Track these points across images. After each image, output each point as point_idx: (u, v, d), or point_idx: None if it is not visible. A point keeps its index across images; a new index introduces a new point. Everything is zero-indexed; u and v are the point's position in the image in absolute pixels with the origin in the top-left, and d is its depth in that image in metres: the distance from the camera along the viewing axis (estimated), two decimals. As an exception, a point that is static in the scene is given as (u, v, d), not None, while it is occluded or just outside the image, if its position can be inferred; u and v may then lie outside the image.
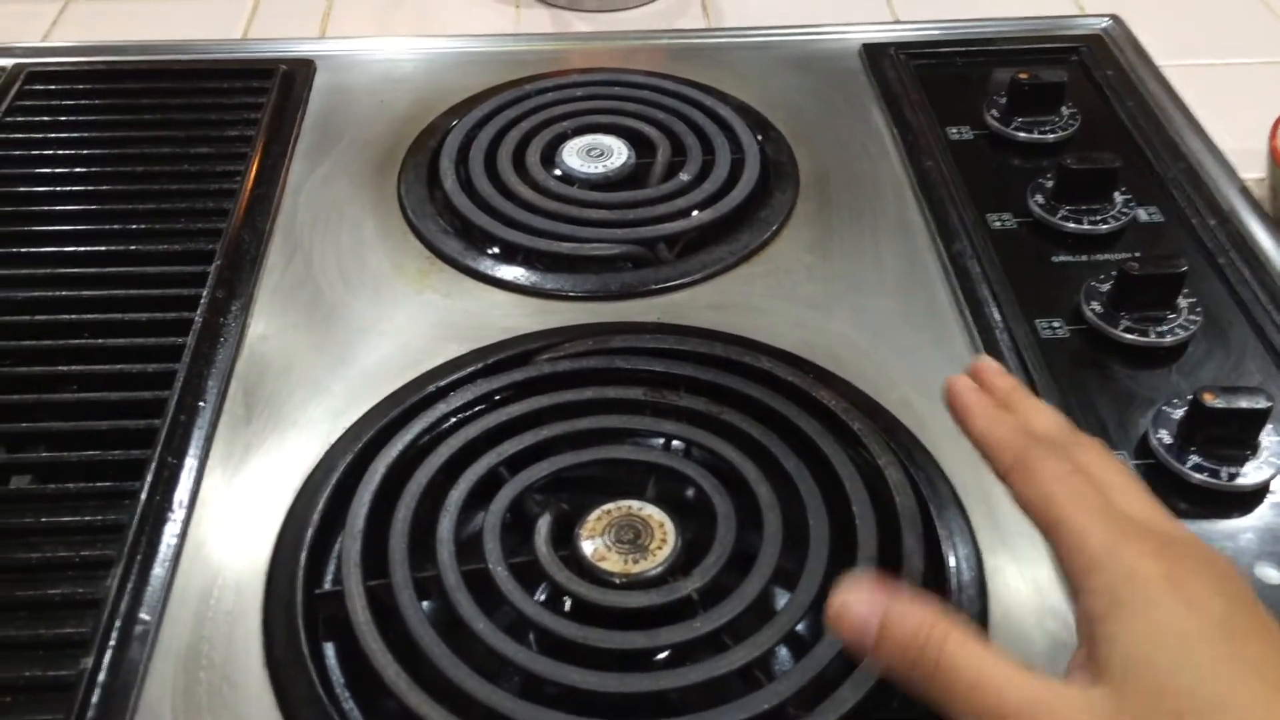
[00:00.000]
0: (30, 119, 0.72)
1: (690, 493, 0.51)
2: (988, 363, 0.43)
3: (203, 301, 0.59)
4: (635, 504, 0.49)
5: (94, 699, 0.42)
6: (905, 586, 0.43)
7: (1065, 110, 0.71)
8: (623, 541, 0.48)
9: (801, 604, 0.45)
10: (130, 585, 0.46)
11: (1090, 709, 0.32)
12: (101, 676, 0.43)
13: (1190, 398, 0.50)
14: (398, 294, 0.62)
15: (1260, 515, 0.49)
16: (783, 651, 0.47)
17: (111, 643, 0.44)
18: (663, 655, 0.46)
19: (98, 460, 0.51)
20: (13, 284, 0.60)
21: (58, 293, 0.60)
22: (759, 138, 0.71)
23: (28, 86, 0.75)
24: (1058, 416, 0.40)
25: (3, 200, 0.66)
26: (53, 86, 0.75)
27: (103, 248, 0.62)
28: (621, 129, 0.72)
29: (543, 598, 0.48)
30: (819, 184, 0.69)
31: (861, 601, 0.35)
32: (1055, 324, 0.58)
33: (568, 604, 0.47)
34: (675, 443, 0.53)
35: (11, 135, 0.71)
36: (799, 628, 0.45)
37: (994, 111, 0.72)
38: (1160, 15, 0.87)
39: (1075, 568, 0.34)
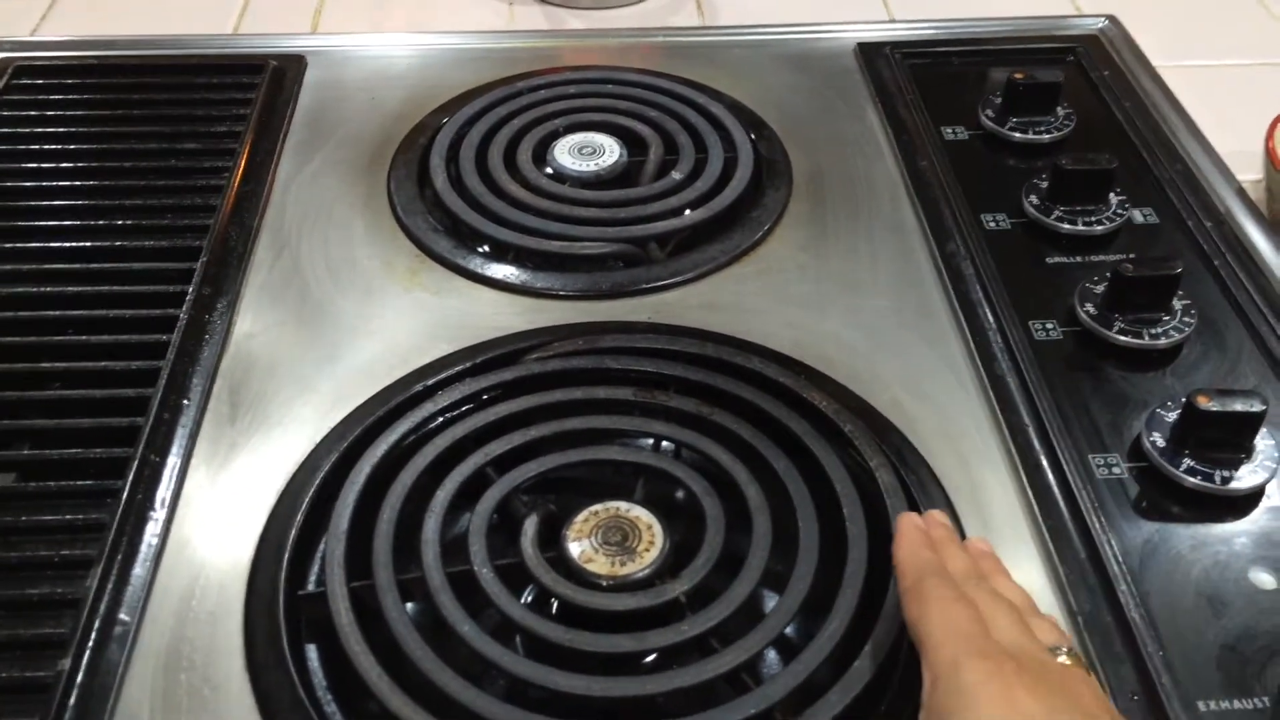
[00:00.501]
0: (17, 114, 0.71)
1: (679, 494, 0.51)
2: (937, 514, 0.47)
3: (188, 298, 0.58)
4: (623, 505, 0.49)
5: (71, 700, 0.42)
6: None
7: (1061, 111, 0.71)
8: (610, 543, 0.47)
9: (790, 607, 0.45)
10: (110, 585, 0.45)
11: None
12: (79, 678, 0.42)
13: (1184, 400, 0.50)
14: (387, 292, 0.61)
15: (1254, 519, 0.49)
16: (771, 655, 0.46)
17: (90, 643, 0.43)
18: (650, 659, 0.45)
19: (79, 458, 0.50)
20: (-2, 280, 0.60)
21: (42, 289, 0.59)
22: (752, 136, 0.71)
23: (15, 81, 0.74)
24: (972, 562, 0.44)
25: (-12, 195, 0.65)
26: (41, 81, 0.74)
27: (88, 243, 0.62)
28: (614, 127, 0.71)
29: (529, 600, 0.47)
30: (813, 183, 0.68)
31: None
32: (1049, 325, 0.57)
33: (554, 606, 0.47)
34: (664, 444, 0.53)
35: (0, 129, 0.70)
36: (787, 630, 0.45)
37: (989, 111, 0.71)
38: (1157, 16, 0.87)
39: (925, 684, 0.37)
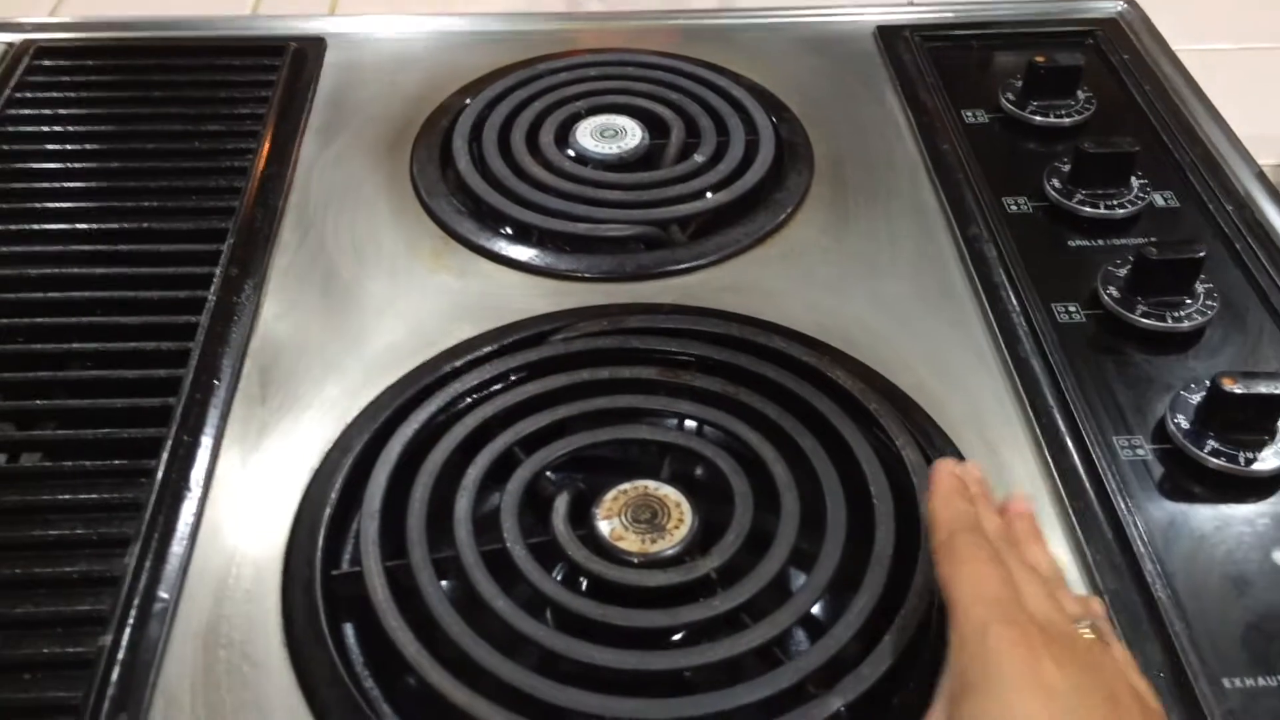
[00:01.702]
0: (40, 94, 0.72)
1: (706, 473, 0.51)
2: (974, 468, 0.46)
3: (216, 279, 0.59)
4: (651, 484, 0.49)
5: (114, 676, 0.42)
6: None
7: (1081, 94, 0.71)
8: (640, 521, 0.48)
9: (819, 584, 0.45)
10: (148, 563, 0.46)
11: None
12: (121, 654, 0.43)
13: (1209, 383, 0.50)
14: (412, 274, 0.61)
15: (1277, 501, 0.49)
16: (799, 633, 0.47)
17: (130, 620, 0.44)
18: (679, 634, 0.46)
19: (113, 438, 0.51)
20: (24, 260, 0.60)
21: (69, 270, 0.59)
22: (773, 119, 0.71)
23: (36, 62, 0.74)
24: (1005, 525, 0.43)
25: (14, 176, 0.65)
26: (62, 62, 0.74)
27: (114, 225, 0.62)
28: (635, 109, 0.71)
29: (559, 577, 0.48)
30: (834, 166, 0.69)
31: None
32: (1072, 308, 0.58)
33: (583, 583, 0.47)
34: (690, 423, 0.53)
35: (21, 111, 0.70)
36: (814, 609, 0.46)
37: (1009, 95, 0.71)
38: (1175, 0, 0.87)
39: (952, 645, 0.37)
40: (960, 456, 0.51)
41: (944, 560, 0.40)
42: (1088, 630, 0.39)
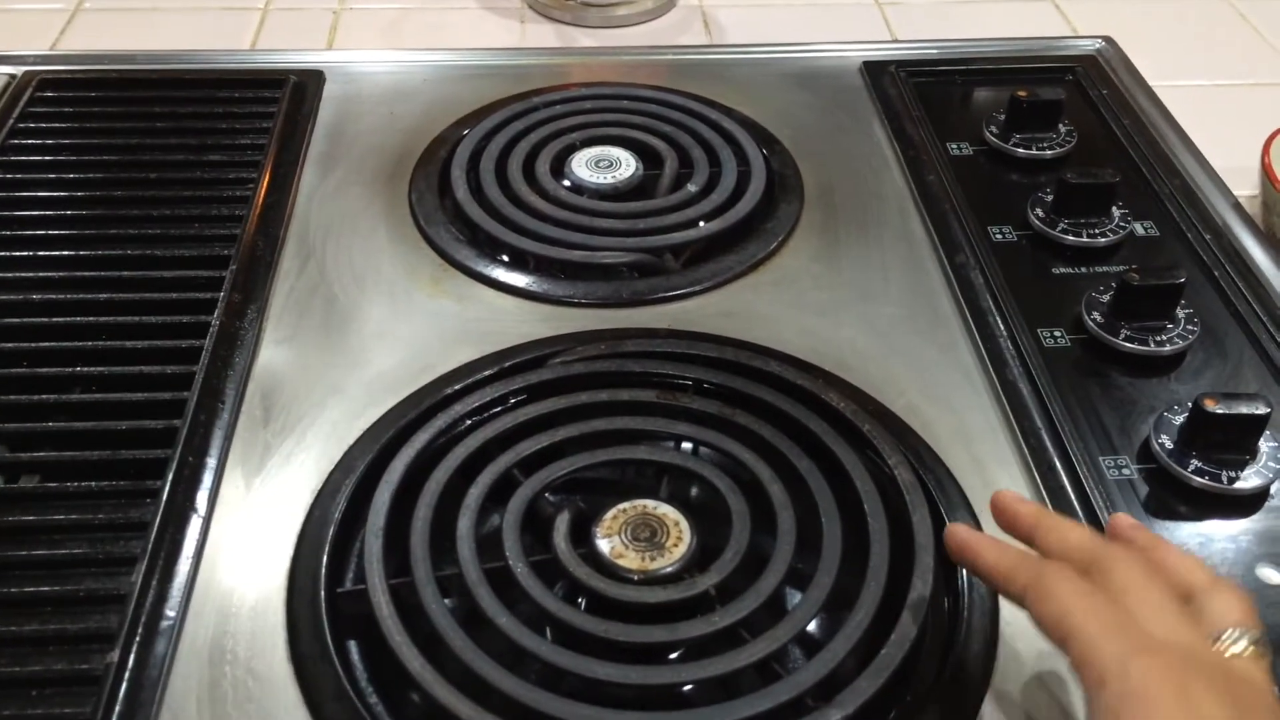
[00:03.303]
0: (43, 125, 0.73)
1: (703, 493, 0.52)
2: (1008, 492, 0.44)
3: (219, 305, 0.59)
4: (650, 503, 0.50)
5: (121, 692, 0.43)
6: None
7: (1063, 128, 0.73)
8: (639, 539, 0.49)
9: (816, 599, 0.46)
10: (155, 581, 0.46)
11: None
12: (128, 671, 0.43)
13: (1191, 404, 0.52)
14: (412, 299, 0.62)
15: (1259, 518, 0.51)
16: (795, 649, 0.48)
17: (137, 638, 0.44)
18: (679, 650, 0.46)
19: (119, 459, 0.51)
20: (30, 286, 0.61)
21: (75, 295, 0.60)
22: (764, 151, 0.73)
23: (40, 93, 0.75)
24: (1086, 531, 0.42)
25: (20, 204, 0.66)
26: (65, 93, 0.75)
27: (119, 252, 0.63)
28: (629, 141, 0.73)
29: (560, 594, 0.49)
30: (823, 196, 0.70)
31: None
32: (1057, 333, 0.59)
33: (583, 601, 0.48)
34: (687, 444, 0.54)
35: (26, 141, 0.71)
36: (811, 625, 0.46)
37: (993, 128, 0.73)
38: (1152, 38, 0.90)
39: (1087, 681, 0.35)
40: (951, 476, 0.52)
41: (1039, 601, 0.38)
42: (1235, 642, 0.36)
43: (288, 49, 0.85)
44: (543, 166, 0.70)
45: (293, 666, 0.44)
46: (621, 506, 0.50)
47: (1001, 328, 0.60)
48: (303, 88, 0.77)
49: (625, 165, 0.71)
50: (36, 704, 0.42)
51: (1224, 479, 0.51)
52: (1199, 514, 0.51)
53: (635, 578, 0.47)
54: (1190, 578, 0.39)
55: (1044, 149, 0.72)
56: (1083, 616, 0.36)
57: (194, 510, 0.50)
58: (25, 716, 0.42)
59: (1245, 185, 0.72)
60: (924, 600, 0.46)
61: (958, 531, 0.43)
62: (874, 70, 0.81)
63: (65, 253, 0.63)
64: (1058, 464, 0.52)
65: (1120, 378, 0.57)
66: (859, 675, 0.43)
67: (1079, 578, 0.38)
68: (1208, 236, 0.66)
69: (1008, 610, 0.47)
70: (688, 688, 0.45)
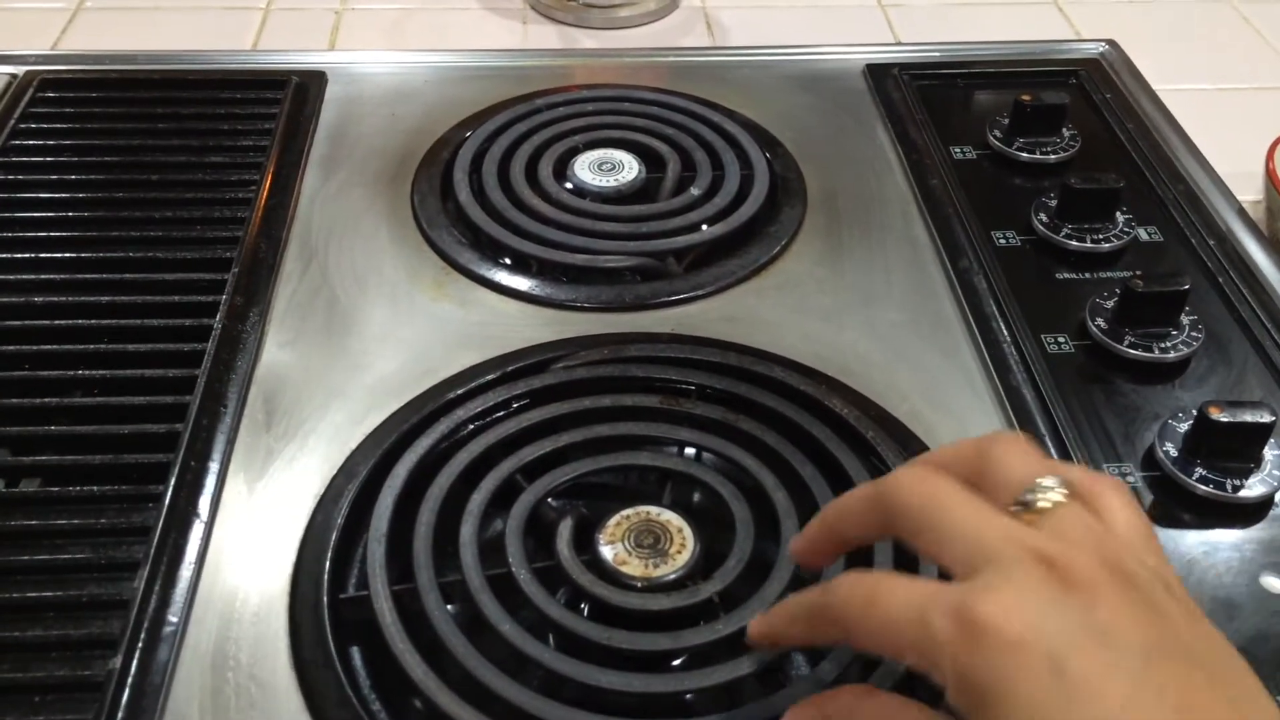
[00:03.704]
0: (44, 125, 0.72)
1: (707, 499, 0.52)
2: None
3: (221, 308, 0.59)
4: (653, 509, 0.50)
5: (123, 699, 0.43)
6: None
7: (1066, 132, 0.73)
8: (642, 546, 0.49)
9: (820, 609, 0.46)
10: (157, 587, 0.46)
11: None
12: (130, 677, 0.43)
13: (1196, 412, 0.51)
14: (414, 303, 0.62)
15: (1264, 527, 0.51)
16: (799, 657, 0.48)
17: (140, 643, 0.44)
18: (682, 657, 0.46)
19: (121, 463, 0.51)
20: (30, 288, 0.61)
21: (76, 298, 0.60)
22: (767, 155, 0.73)
23: (41, 93, 0.75)
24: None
25: (20, 205, 0.66)
26: (66, 94, 0.75)
27: (120, 254, 0.63)
28: (632, 144, 0.73)
29: (562, 601, 0.48)
30: (827, 200, 0.70)
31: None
32: (1061, 339, 0.59)
33: (586, 607, 0.48)
34: (690, 450, 0.54)
35: (27, 141, 0.71)
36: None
37: (996, 132, 0.73)
38: (1155, 42, 0.90)
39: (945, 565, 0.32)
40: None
41: (859, 623, 0.34)
42: (1044, 495, 0.33)
43: (289, 50, 0.84)
44: (545, 169, 0.70)
45: (295, 673, 0.44)
46: (625, 513, 0.50)
47: (1005, 333, 0.59)
48: (305, 89, 0.77)
49: (628, 168, 0.71)
50: (39, 710, 0.42)
51: (1229, 487, 0.51)
52: (1204, 522, 0.50)
53: (638, 584, 0.47)
54: (963, 459, 0.36)
55: (1048, 153, 0.72)
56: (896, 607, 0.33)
57: (196, 515, 0.50)
58: (27, 723, 0.42)
59: (1249, 190, 0.72)
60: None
61: (752, 629, 0.41)
62: (877, 73, 0.81)
63: (67, 254, 0.63)
64: (1062, 471, 0.52)
65: (1124, 384, 0.57)
66: (864, 682, 0.43)
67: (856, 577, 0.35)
68: (1212, 242, 0.66)
69: (1012, 618, 0.47)
70: (690, 696, 0.45)
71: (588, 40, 0.91)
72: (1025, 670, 0.29)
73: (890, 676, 0.43)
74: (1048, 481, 0.33)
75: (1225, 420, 0.50)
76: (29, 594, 0.46)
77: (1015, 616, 0.29)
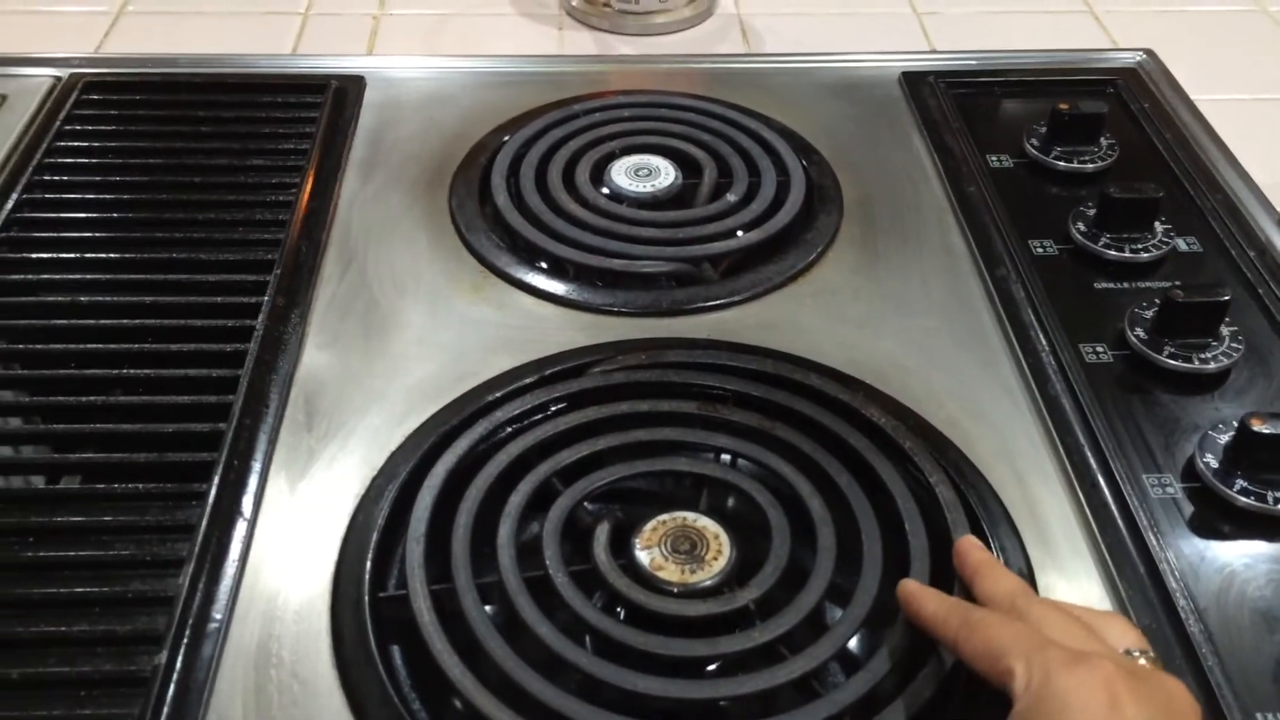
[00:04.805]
0: (89, 127, 0.74)
1: (742, 506, 0.52)
2: (969, 538, 0.48)
3: (263, 310, 0.60)
4: (690, 515, 0.50)
5: (168, 694, 0.43)
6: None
7: (1104, 141, 0.73)
8: (679, 551, 0.49)
9: (856, 617, 0.46)
10: (202, 584, 0.47)
11: None
12: (175, 673, 0.44)
13: (1237, 423, 0.51)
14: (452, 306, 0.63)
15: (1305, 539, 0.50)
16: (834, 666, 0.48)
17: (185, 640, 0.45)
18: (716, 664, 0.46)
19: (163, 462, 0.52)
20: (76, 288, 0.62)
21: (121, 298, 0.61)
22: (803, 161, 0.73)
23: (85, 96, 0.76)
24: (1018, 581, 0.44)
25: (66, 206, 0.67)
26: (110, 96, 0.76)
27: (164, 255, 0.64)
28: (668, 150, 0.73)
29: (599, 605, 0.49)
30: (863, 207, 0.70)
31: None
32: (1099, 348, 0.59)
33: (621, 611, 0.48)
34: (726, 456, 0.54)
35: (72, 143, 0.72)
36: (851, 642, 0.46)
37: (1033, 140, 0.73)
38: (1193, 51, 0.89)
39: (1014, 688, 0.37)
40: (993, 492, 0.52)
41: (971, 635, 0.40)
42: (1144, 660, 0.39)
43: (328, 54, 0.85)
44: (582, 174, 0.71)
45: (337, 671, 0.45)
46: (661, 518, 0.50)
47: (1043, 342, 0.59)
48: (344, 93, 0.78)
49: (664, 174, 0.71)
50: (85, 704, 0.43)
51: (1270, 499, 0.50)
52: (1244, 534, 0.50)
53: (675, 590, 0.47)
54: (1088, 613, 0.42)
55: (1085, 162, 0.72)
56: (1008, 643, 0.39)
57: (240, 514, 0.50)
58: (74, 717, 0.43)
59: (1289, 201, 0.71)
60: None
61: (907, 584, 0.46)
62: (913, 81, 0.81)
63: (111, 255, 0.64)
64: (1101, 481, 0.52)
65: (1163, 395, 0.57)
66: (899, 695, 0.43)
67: (1000, 614, 0.41)
68: (1251, 253, 0.65)
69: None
70: (724, 703, 0.45)
71: (623, 46, 0.91)
72: None
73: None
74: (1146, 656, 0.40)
75: (1268, 432, 0.50)
76: (75, 589, 0.46)
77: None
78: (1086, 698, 0.35)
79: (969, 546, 0.47)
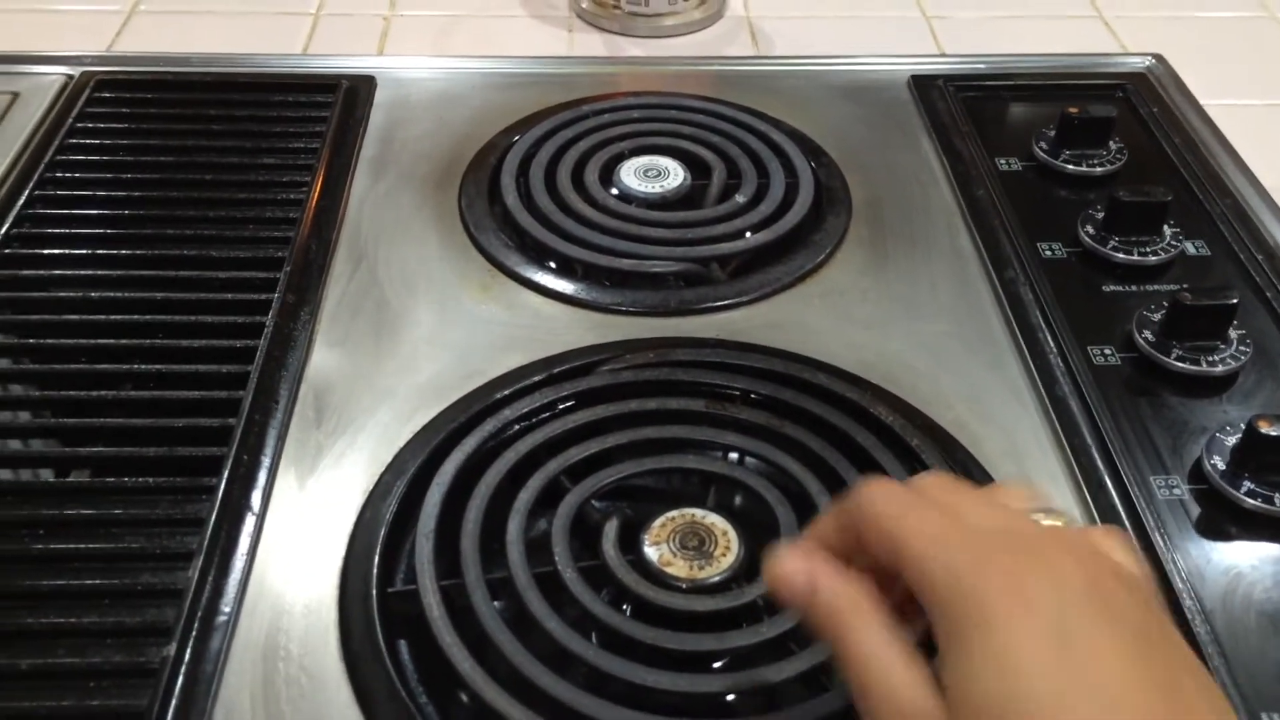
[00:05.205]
0: (100, 125, 0.74)
1: (751, 503, 0.52)
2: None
3: (273, 306, 0.60)
4: (698, 512, 0.51)
5: (177, 685, 0.43)
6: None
7: (1113, 144, 0.73)
8: (687, 548, 0.49)
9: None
10: (211, 577, 0.47)
11: None
12: (184, 665, 0.44)
13: (1245, 425, 0.51)
14: (461, 305, 0.63)
15: (1314, 542, 0.50)
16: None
17: (194, 632, 0.45)
18: (724, 659, 0.47)
19: (173, 456, 0.52)
20: (86, 284, 0.62)
21: (131, 294, 0.61)
22: (812, 164, 0.73)
23: (96, 94, 0.77)
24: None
25: (77, 203, 0.68)
26: (122, 94, 0.77)
27: (175, 251, 0.64)
28: (677, 151, 0.73)
29: (607, 600, 0.49)
30: (871, 210, 0.70)
31: (798, 572, 0.36)
32: (1107, 351, 0.59)
33: (629, 607, 0.48)
34: (734, 454, 0.54)
35: (84, 140, 0.72)
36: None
37: (1042, 144, 0.73)
38: (1201, 57, 0.89)
39: (927, 605, 0.33)
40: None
41: (887, 533, 0.34)
42: (1044, 517, 0.35)
43: (339, 54, 0.86)
44: (591, 175, 0.71)
45: (345, 665, 0.45)
46: (670, 515, 0.50)
47: (1051, 344, 0.59)
48: (355, 92, 0.78)
49: (673, 175, 0.71)
50: (94, 695, 0.43)
51: (1277, 501, 0.50)
52: (1251, 536, 0.50)
53: (683, 586, 0.47)
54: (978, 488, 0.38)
55: (1094, 166, 0.72)
56: (911, 538, 0.34)
57: (249, 508, 0.50)
58: (84, 707, 0.43)
59: (1297, 206, 0.71)
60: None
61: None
62: (922, 84, 0.81)
63: (122, 251, 0.64)
64: (1108, 482, 0.52)
65: (1171, 397, 0.57)
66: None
67: (892, 500, 0.35)
68: (1260, 257, 0.65)
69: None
70: (731, 697, 0.45)
71: (633, 48, 0.91)
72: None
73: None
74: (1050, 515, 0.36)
75: (1276, 434, 0.50)
76: (85, 581, 0.47)
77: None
78: (990, 588, 0.31)
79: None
